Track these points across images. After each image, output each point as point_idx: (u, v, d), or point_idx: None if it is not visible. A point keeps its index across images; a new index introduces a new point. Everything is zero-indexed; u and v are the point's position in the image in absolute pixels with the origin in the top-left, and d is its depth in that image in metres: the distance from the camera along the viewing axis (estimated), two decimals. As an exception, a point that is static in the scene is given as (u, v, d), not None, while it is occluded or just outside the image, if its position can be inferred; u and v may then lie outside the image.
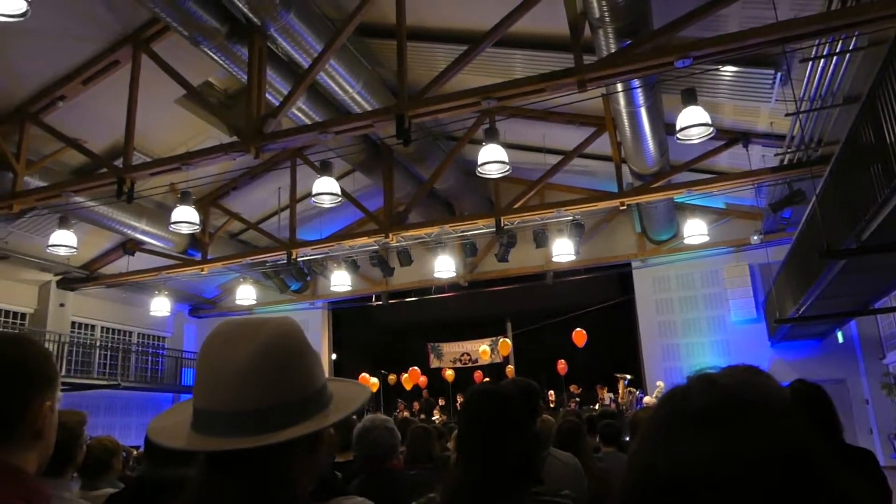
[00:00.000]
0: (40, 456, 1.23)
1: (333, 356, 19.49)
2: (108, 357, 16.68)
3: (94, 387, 15.41)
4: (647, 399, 13.85)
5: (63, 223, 11.66)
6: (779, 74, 8.56)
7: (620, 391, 15.29)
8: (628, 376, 15.40)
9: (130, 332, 17.90)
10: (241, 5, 7.80)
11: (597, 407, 14.78)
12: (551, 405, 15.64)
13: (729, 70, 8.88)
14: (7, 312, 14.86)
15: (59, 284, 15.37)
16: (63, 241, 11.56)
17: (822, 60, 7.34)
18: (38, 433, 1.20)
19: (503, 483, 1.94)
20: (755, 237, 13.35)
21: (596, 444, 5.88)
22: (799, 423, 0.66)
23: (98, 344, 16.60)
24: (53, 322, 15.17)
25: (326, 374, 1.21)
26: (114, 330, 17.40)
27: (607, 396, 15.77)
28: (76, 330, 16.19)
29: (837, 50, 7.01)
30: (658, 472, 0.65)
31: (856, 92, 7.30)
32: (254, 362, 1.07)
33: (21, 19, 6.15)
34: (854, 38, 6.71)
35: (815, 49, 7.28)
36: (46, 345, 14.10)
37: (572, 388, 16.87)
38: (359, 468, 3.49)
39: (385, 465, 3.39)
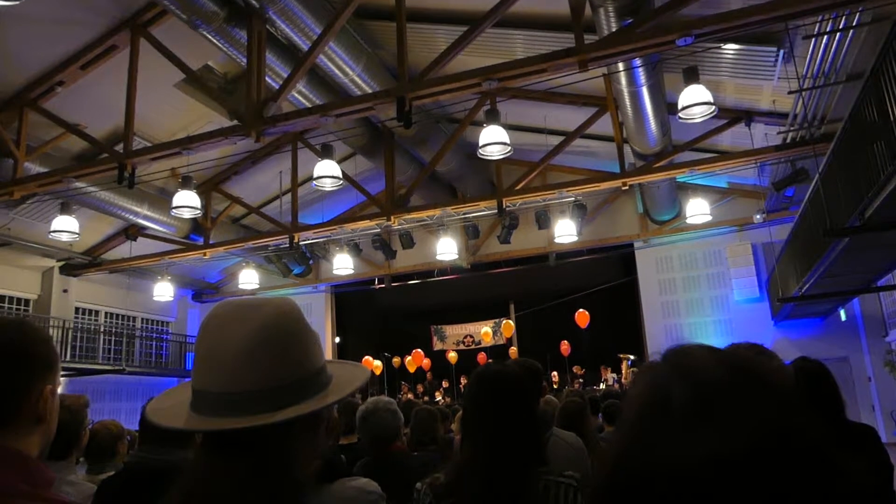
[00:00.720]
0: (42, 440, 1.23)
1: (337, 339, 19.54)
2: (113, 342, 16.74)
3: (99, 372, 15.51)
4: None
5: (65, 209, 11.66)
6: (781, 52, 8.49)
7: (624, 371, 15.33)
8: (632, 357, 15.43)
9: (134, 318, 17.95)
10: (239, -12, 7.76)
11: (601, 387, 14.84)
12: (555, 386, 15.71)
13: (731, 48, 8.82)
14: (10, 299, 14.90)
15: (62, 270, 15.40)
16: (65, 226, 11.57)
17: (826, 37, 7.28)
18: (40, 417, 1.20)
19: (507, 464, 1.94)
20: (758, 216, 13.30)
21: (599, 423, 5.91)
22: (795, 407, 0.62)
23: (102, 329, 16.65)
24: (57, 308, 15.22)
25: (329, 358, 1.21)
26: (117, 315, 17.45)
27: (611, 377, 15.82)
28: (80, 316, 16.24)
29: (841, 26, 6.95)
30: (643, 472, 0.61)
31: (859, 69, 7.25)
32: (252, 343, 1.07)
33: (16, 3, 6.12)
34: (857, 14, 6.65)
35: (818, 26, 7.22)
36: (50, 331, 14.17)
37: (575, 368, 16.94)
38: (363, 450, 3.51)
39: (389, 448, 3.41)
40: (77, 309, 16.05)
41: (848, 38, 7.07)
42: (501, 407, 2.02)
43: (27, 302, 15.27)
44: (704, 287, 15.31)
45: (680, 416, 0.61)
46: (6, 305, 14.73)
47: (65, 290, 15.52)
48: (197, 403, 1.10)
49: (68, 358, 14.72)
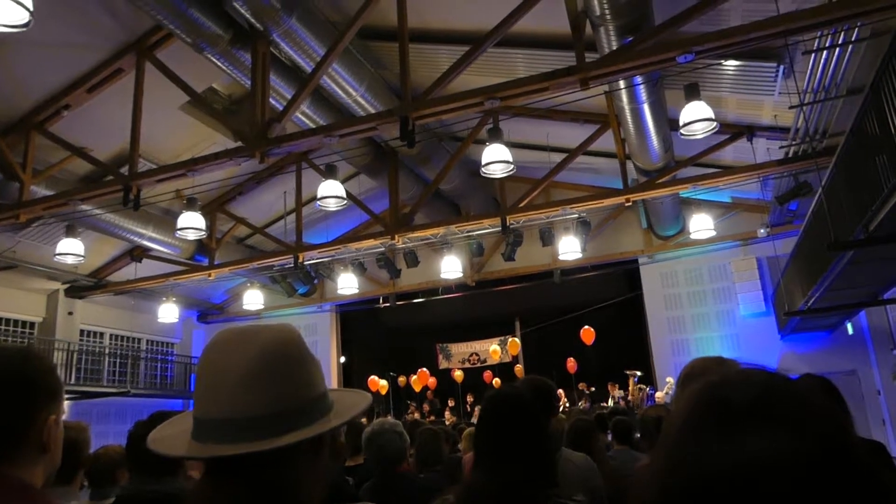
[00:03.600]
0: (46, 470, 1.23)
1: (342, 359, 19.47)
2: (118, 364, 16.70)
3: (105, 394, 15.47)
4: (657, 395, 13.83)
5: (70, 231, 11.70)
6: (781, 67, 8.52)
7: (631, 388, 15.27)
8: (638, 373, 15.37)
9: (139, 339, 17.94)
10: (243, 11, 7.82)
11: (608, 404, 14.77)
12: (565, 406, 15.63)
13: (731, 64, 8.85)
14: (16, 322, 14.91)
15: (68, 293, 15.43)
16: (70, 249, 11.59)
17: (825, 52, 7.30)
18: (44, 447, 1.20)
19: (518, 486, 1.94)
20: (762, 230, 13.30)
21: (608, 441, 5.87)
22: (841, 415, 0.64)
23: (107, 351, 16.64)
24: (62, 330, 15.23)
25: (334, 377, 1.22)
26: (122, 337, 17.44)
27: (618, 394, 15.75)
28: (85, 338, 16.23)
29: (840, 41, 6.97)
30: (707, 470, 0.61)
31: (859, 83, 7.26)
32: (252, 369, 1.07)
33: (24, 30, 6.17)
34: (857, 29, 6.67)
35: (817, 41, 7.24)
36: (55, 353, 14.20)
37: (581, 385, 16.86)
38: (369, 472, 3.49)
39: (395, 469, 3.40)
40: (82, 331, 16.05)
41: (847, 53, 7.09)
42: (511, 430, 2.03)
43: (32, 325, 15.27)
44: (710, 302, 15.27)
45: (743, 415, 0.62)
46: (11, 328, 14.75)
47: (70, 313, 15.53)
48: (198, 431, 1.10)
49: (73, 381, 14.70)
